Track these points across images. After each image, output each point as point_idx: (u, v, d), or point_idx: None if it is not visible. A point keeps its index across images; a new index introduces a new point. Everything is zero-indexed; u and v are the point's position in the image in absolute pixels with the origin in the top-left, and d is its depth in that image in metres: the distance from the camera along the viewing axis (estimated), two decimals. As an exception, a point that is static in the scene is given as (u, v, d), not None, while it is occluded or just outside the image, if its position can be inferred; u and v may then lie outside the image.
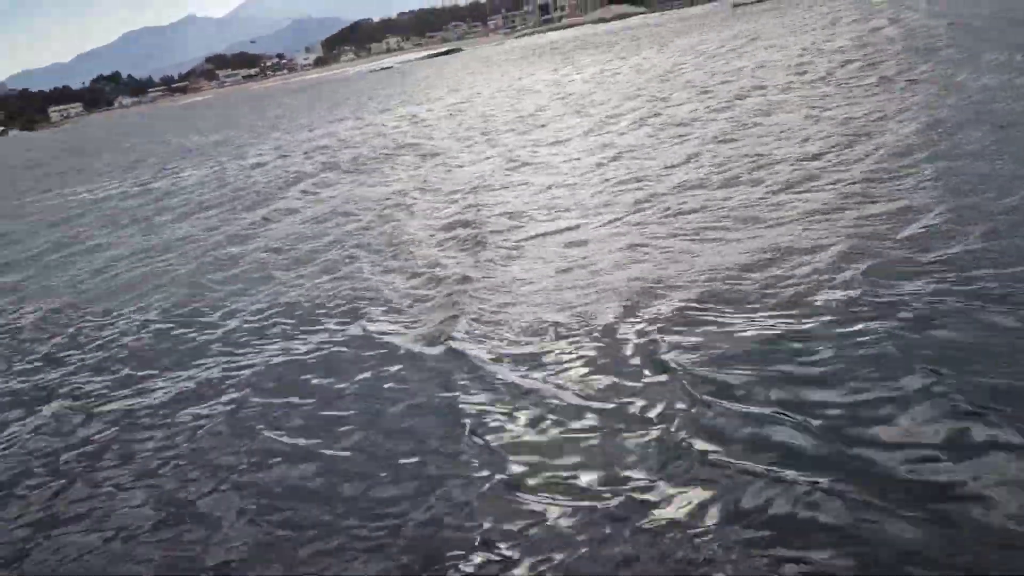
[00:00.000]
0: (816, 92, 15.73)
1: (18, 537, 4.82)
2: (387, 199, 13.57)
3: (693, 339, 5.69)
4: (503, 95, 31.15)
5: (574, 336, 6.17)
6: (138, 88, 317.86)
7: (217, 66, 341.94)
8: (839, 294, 5.93)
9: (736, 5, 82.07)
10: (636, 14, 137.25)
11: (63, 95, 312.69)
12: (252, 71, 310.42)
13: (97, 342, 8.57)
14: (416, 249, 9.85)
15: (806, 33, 30.41)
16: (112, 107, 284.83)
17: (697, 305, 6.25)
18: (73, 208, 21.47)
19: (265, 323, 8.01)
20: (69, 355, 8.35)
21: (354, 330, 7.29)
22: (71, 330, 9.24)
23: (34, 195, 27.75)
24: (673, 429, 4.56)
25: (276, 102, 73.02)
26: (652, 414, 4.81)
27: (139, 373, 7.31)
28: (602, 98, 22.55)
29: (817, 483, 3.81)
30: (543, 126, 19.22)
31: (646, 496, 4.01)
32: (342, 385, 6.11)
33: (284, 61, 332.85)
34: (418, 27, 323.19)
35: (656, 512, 3.87)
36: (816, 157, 10.37)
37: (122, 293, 10.50)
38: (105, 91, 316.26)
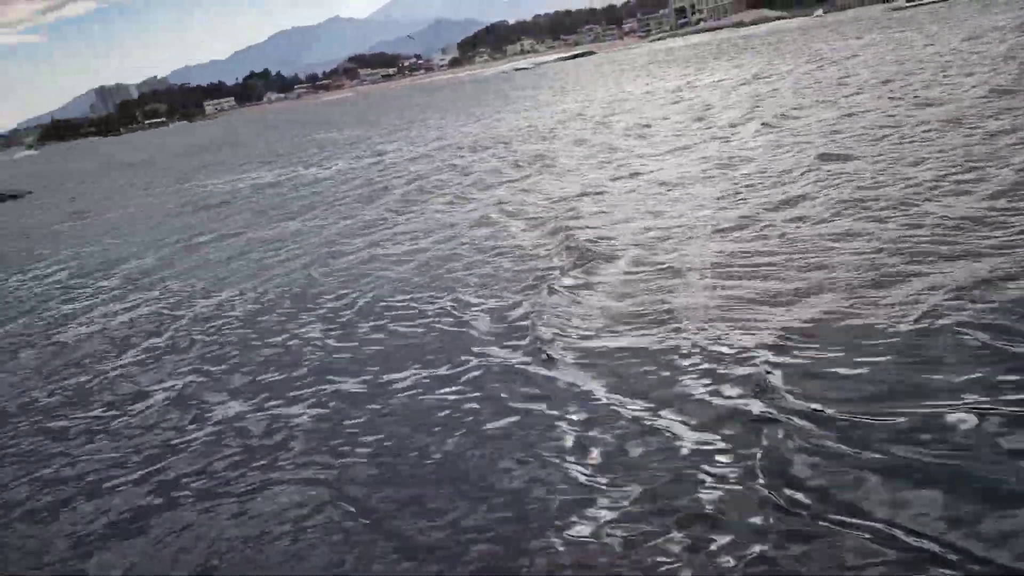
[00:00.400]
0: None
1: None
2: (499, 202, 13.60)
3: (809, 364, 5.30)
4: (628, 100, 30.71)
5: (688, 353, 5.89)
6: (285, 85, 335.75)
7: (358, 65, 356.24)
8: (980, 319, 5.37)
9: (896, 8, 77.67)
10: (776, 19, 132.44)
11: (218, 90, 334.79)
12: (390, 71, 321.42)
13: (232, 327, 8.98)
14: (521, 251, 9.79)
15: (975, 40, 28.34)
16: (261, 102, 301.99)
17: (811, 326, 5.84)
18: (219, 195, 22.82)
19: (371, 312, 8.14)
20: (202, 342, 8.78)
21: (450, 322, 7.29)
22: (198, 315, 9.73)
23: (195, 181, 29.75)
24: (770, 458, 4.24)
25: (410, 102, 75.17)
26: (756, 436, 4.50)
27: (246, 358, 7.58)
28: (727, 107, 21.80)
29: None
30: (669, 134, 18.76)
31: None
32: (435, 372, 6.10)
33: (421, 61, 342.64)
34: (552, 30, 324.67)
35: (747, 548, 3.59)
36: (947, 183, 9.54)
37: (251, 278, 11.00)
38: (256, 87, 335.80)
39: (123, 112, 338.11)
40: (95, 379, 7.88)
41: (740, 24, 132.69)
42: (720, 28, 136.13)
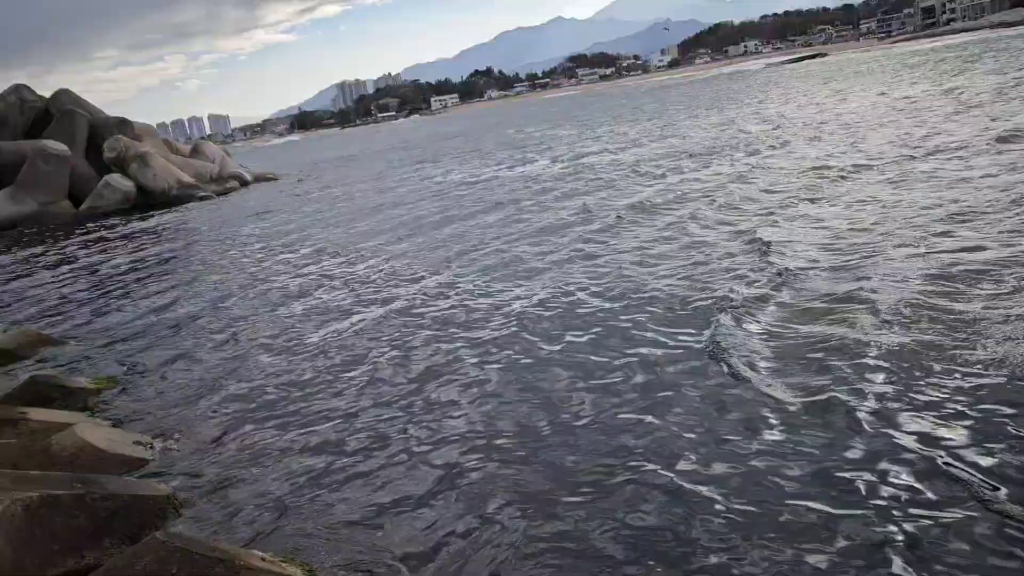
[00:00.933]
0: None
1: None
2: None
3: None
4: (861, 110, 28.41)
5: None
6: (506, 83, 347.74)
7: (577, 65, 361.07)
8: None
9: None
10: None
11: (444, 87, 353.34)
12: (607, 71, 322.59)
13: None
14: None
15: None
16: (482, 99, 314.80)
17: None
18: (438, 187, 23.94)
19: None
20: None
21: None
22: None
23: (406, 172, 31.50)
24: None
25: (621, 102, 74.83)
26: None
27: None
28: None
29: None
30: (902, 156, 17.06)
31: None
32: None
33: (639, 62, 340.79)
34: (780, 31, 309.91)
35: None
36: None
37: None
38: (478, 84, 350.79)
39: (360, 105, 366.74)
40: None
41: (1003, 24, 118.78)
42: (977, 29, 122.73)
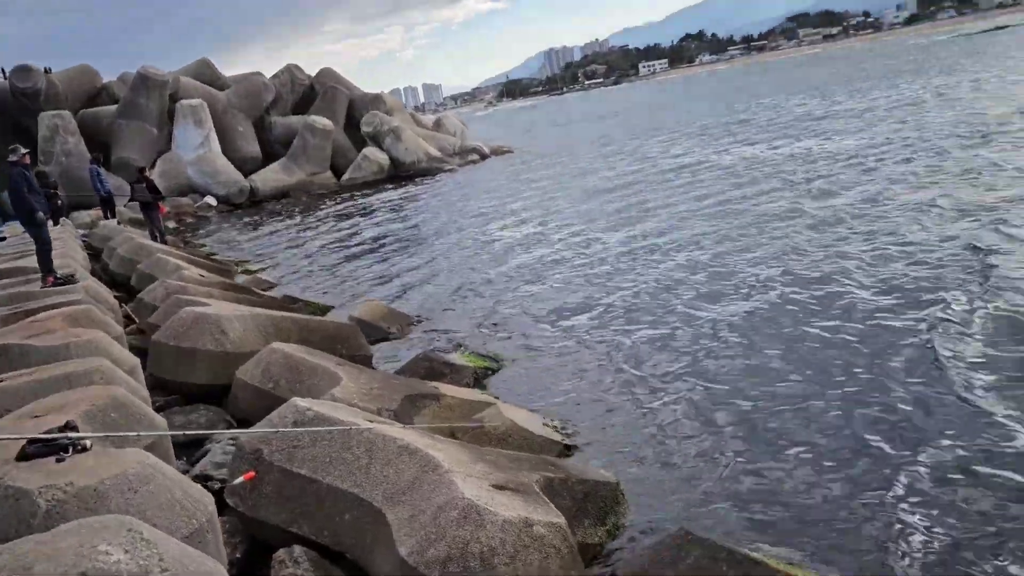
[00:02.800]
0: None
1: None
2: None
3: None
4: None
5: None
6: (719, 46, 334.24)
7: (798, 24, 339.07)
8: None
9: None
10: None
11: (653, 52, 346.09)
12: (833, 30, 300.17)
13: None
14: None
15: None
16: (693, 64, 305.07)
17: None
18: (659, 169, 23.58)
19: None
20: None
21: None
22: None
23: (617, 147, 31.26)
24: None
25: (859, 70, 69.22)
26: None
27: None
28: None
29: None
30: None
31: None
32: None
33: (870, 20, 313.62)
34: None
35: None
36: None
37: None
38: (689, 48, 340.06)
39: (566, 72, 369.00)
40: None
41: None
42: None
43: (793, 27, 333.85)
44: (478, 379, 8.11)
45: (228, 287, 12.36)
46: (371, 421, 5.23)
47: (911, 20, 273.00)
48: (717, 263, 11.55)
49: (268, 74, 41.10)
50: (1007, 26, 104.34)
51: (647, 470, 5.90)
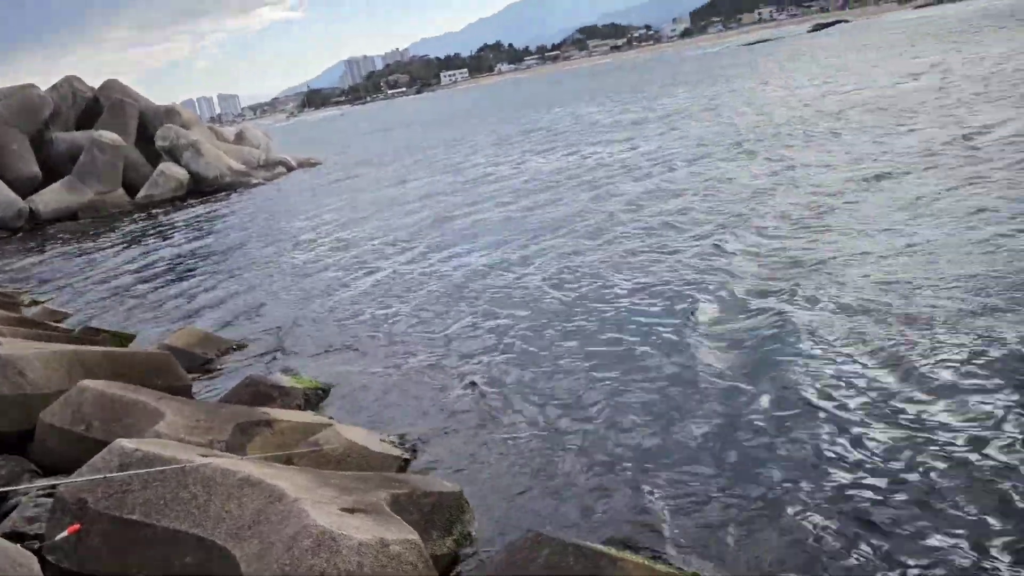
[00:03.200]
0: None
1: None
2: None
3: None
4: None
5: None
6: (515, 56, 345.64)
7: (587, 36, 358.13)
8: None
9: None
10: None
11: (453, 62, 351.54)
12: (619, 42, 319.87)
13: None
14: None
15: None
16: (492, 73, 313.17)
17: None
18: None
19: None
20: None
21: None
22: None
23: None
24: None
25: (641, 78, 74.39)
26: None
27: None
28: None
29: None
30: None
31: None
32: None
33: (651, 32, 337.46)
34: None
35: None
36: None
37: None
38: (487, 58, 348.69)
39: (369, 82, 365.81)
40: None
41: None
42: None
43: (583, 39, 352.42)
44: (309, 401, 7.94)
45: (17, 322, 11.21)
46: (205, 456, 5.01)
47: (686, 34, 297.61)
48: (511, 267, 12.03)
49: (44, 86, 37.42)
50: (768, 40, 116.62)
51: (488, 475, 6.07)
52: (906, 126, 18.65)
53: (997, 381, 6.00)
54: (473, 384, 7.86)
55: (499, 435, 6.70)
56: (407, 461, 6.41)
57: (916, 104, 21.93)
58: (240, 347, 10.54)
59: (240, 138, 41.68)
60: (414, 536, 4.20)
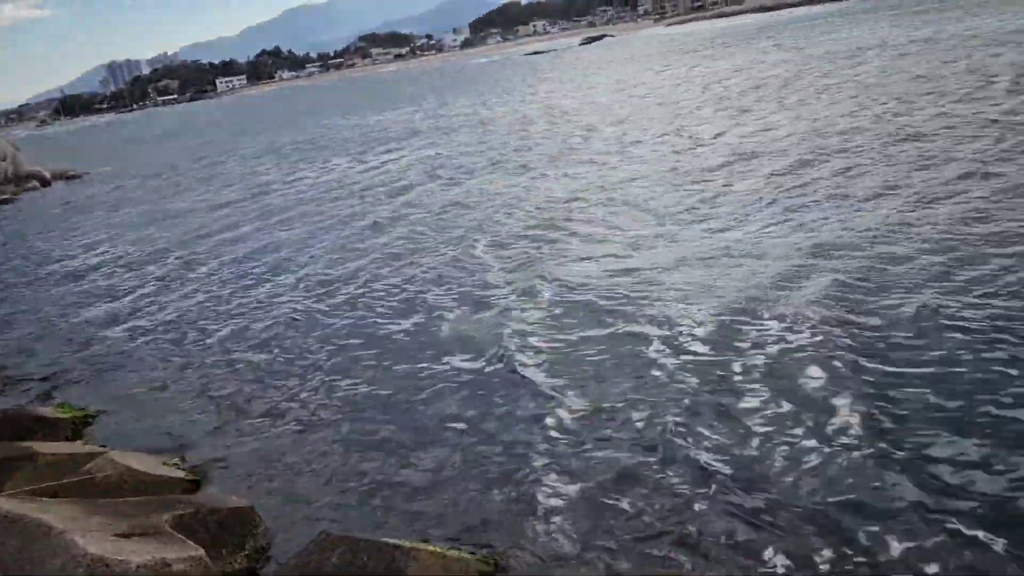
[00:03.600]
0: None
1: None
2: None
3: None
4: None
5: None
6: (296, 63, 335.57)
7: (370, 44, 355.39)
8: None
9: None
10: (801, 4, 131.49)
11: (229, 68, 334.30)
12: (402, 50, 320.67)
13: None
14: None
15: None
16: (273, 80, 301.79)
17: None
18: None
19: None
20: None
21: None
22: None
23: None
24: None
25: (430, 84, 75.35)
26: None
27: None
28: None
29: None
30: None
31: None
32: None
33: (433, 42, 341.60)
34: (566, 11, 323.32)
35: None
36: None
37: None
38: (267, 65, 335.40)
39: (135, 88, 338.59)
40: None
41: (763, 8, 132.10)
42: (742, 13, 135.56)
43: (365, 46, 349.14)
44: (78, 430, 7.34)
45: None
46: (-47, 498, 4.53)
47: (466, 43, 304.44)
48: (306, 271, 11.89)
49: None
50: (543, 52, 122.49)
51: (278, 487, 5.98)
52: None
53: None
54: (254, 398, 7.68)
55: (288, 445, 6.61)
56: (196, 483, 6.13)
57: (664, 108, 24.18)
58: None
59: (-21, 149, 37.10)
60: (198, 552, 4.08)
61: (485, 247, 11.93)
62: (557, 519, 5.00)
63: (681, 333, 7.46)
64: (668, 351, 7.13)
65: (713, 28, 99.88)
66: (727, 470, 5.21)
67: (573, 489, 5.29)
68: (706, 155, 16.33)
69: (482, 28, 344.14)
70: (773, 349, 6.82)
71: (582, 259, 10.49)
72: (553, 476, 5.49)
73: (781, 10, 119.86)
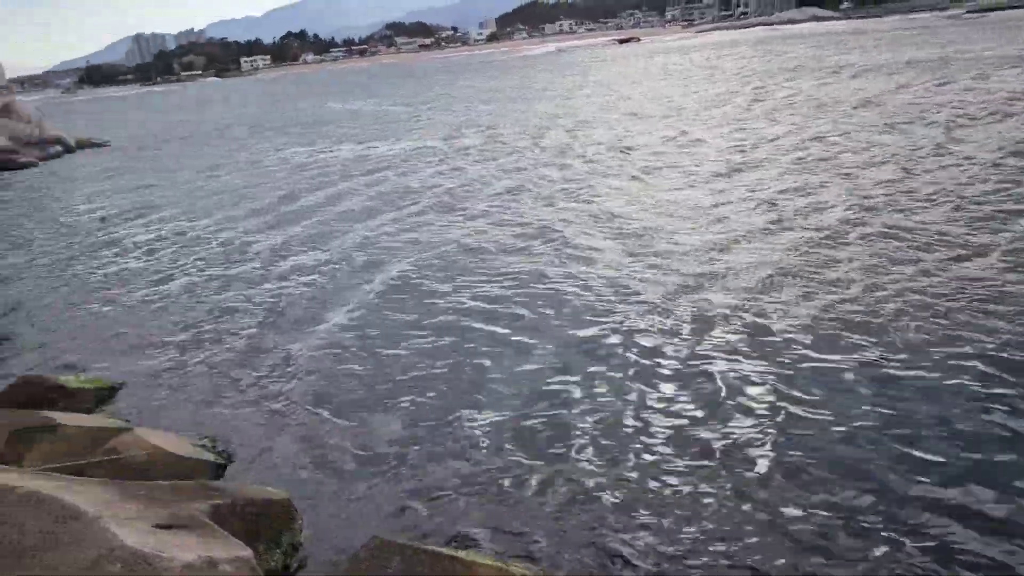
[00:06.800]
0: None
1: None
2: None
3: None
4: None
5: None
6: (321, 47, 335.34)
7: (395, 32, 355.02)
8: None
9: (951, 17, 76.93)
10: (830, 19, 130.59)
11: (255, 48, 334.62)
12: (427, 40, 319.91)
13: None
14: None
15: None
16: (296, 62, 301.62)
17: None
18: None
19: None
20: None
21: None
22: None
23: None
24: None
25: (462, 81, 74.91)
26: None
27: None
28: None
29: None
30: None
31: None
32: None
33: (458, 34, 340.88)
34: (592, 12, 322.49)
35: None
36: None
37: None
38: (292, 47, 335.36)
39: (160, 62, 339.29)
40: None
41: (792, 21, 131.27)
42: (771, 24, 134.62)
43: (391, 35, 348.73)
44: (102, 403, 6.97)
45: None
46: (-27, 470, 4.15)
47: (491, 38, 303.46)
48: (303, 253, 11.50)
49: None
50: (577, 47, 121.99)
51: (312, 478, 5.59)
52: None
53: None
54: (286, 376, 7.30)
55: (319, 432, 6.22)
56: (222, 467, 5.75)
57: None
58: (7, 339, 9.15)
59: (7, 111, 36.86)
60: (246, 552, 3.69)
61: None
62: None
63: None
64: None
65: (745, 36, 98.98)
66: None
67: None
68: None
69: (508, 24, 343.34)
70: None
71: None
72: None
73: (809, 23, 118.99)
